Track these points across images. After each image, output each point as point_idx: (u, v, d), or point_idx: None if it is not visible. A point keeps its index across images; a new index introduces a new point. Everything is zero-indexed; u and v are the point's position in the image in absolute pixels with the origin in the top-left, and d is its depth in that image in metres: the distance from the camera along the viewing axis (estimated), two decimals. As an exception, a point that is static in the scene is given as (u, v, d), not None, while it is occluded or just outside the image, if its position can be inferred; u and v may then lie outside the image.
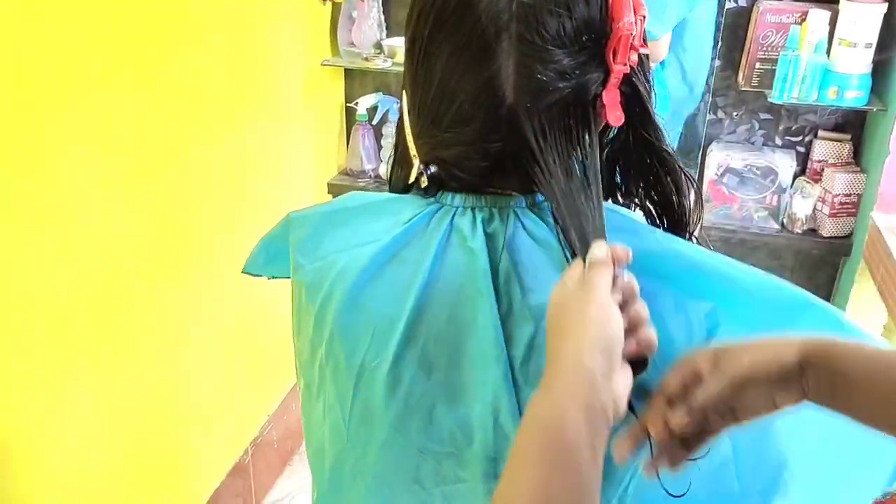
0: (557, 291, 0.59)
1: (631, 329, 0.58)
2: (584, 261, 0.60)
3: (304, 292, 0.73)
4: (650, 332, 0.58)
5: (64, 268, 1.44)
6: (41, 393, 1.42)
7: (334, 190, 2.55)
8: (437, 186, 0.69)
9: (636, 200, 0.74)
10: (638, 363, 0.58)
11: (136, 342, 1.67)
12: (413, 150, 0.70)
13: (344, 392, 0.68)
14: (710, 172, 2.30)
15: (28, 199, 1.34)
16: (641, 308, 0.59)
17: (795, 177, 2.30)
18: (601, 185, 0.64)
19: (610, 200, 0.74)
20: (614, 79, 0.63)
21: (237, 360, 2.06)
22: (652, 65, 1.83)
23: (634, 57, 0.64)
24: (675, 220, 0.73)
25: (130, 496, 1.71)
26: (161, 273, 1.72)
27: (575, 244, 0.62)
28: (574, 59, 0.61)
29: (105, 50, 1.47)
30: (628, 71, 0.63)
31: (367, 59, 2.37)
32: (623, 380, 0.56)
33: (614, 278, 0.59)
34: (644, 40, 0.66)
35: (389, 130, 2.51)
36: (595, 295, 0.56)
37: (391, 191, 0.78)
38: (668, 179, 0.71)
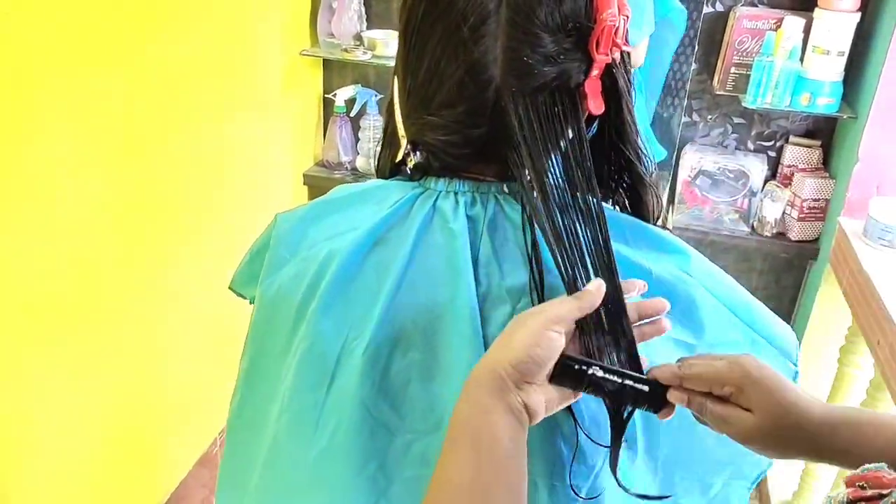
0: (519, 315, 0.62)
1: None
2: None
3: (285, 286, 0.72)
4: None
5: (36, 258, 1.42)
6: (11, 384, 1.40)
7: (310, 181, 2.53)
8: (421, 171, 0.71)
9: (609, 193, 0.76)
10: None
11: (108, 331, 1.65)
12: (402, 132, 0.71)
13: (320, 377, 0.68)
14: (683, 174, 2.33)
15: (2, 188, 1.32)
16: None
17: (766, 181, 2.33)
18: (589, 179, 0.65)
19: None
20: (596, 68, 0.64)
21: (208, 351, 2.05)
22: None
23: (617, 54, 0.66)
24: (640, 214, 0.75)
25: (99, 484, 1.70)
26: (135, 262, 1.70)
27: (551, 240, 0.63)
28: (559, 46, 0.63)
29: (83, 37, 1.45)
30: (609, 61, 0.65)
31: (346, 50, 2.36)
32: (542, 395, 0.59)
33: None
34: (627, 40, 0.67)
35: (367, 123, 2.50)
36: (533, 320, 0.59)
37: (378, 172, 0.79)
38: (634, 174, 0.73)
